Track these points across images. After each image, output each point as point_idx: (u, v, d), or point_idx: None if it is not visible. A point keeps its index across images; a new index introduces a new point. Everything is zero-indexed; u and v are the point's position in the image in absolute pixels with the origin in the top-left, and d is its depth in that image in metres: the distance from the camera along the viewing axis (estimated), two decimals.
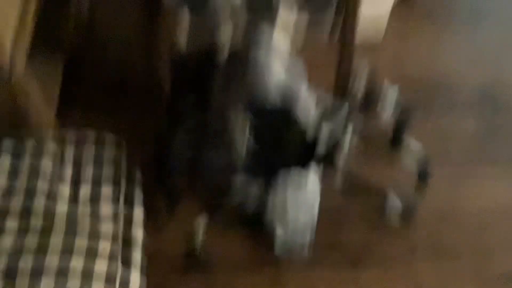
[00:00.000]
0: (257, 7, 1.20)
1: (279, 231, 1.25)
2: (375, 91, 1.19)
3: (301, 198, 1.28)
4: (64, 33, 1.50)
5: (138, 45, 1.46)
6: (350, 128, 1.13)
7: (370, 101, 1.19)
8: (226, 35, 1.46)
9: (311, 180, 1.35)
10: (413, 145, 1.13)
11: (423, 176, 1.21)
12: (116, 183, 1.13)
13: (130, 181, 1.15)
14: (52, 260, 0.98)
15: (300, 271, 1.24)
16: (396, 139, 1.26)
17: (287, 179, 1.24)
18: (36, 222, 1.03)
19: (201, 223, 0.97)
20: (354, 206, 1.34)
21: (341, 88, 1.36)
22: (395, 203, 1.11)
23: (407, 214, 1.10)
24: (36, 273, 0.96)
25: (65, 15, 1.55)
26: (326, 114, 1.14)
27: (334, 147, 1.12)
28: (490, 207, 1.36)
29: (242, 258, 1.26)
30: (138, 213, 1.13)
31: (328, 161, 1.14)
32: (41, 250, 0.99)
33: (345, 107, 1.14)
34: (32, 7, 1.18)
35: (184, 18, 1.23)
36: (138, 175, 1.18)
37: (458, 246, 1.29)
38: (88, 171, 1.13)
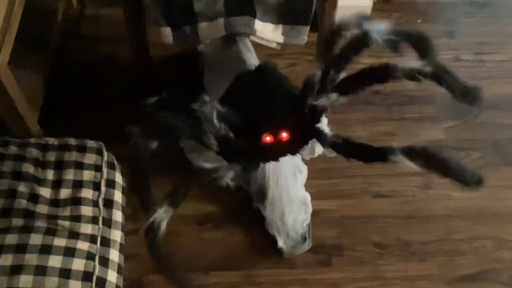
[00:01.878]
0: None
1: (280, 243, 1.29)
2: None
3: (296, 195, 1.32)
4: (49, 35, 1.52)
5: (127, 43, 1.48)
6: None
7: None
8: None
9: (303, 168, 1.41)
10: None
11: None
12: (96, 187, 1.18)
13: (110, 185, 1.20)
14: (31, 259, 1.02)
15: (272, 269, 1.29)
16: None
17: (282, 173, 1.28)
18: (17, 222, 1.07)
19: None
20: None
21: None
22: None
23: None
24: (15, 271, 1.00)
25: (51, 13, 1.57)
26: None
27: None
28: (458, 210, 1.40)
29: (219, 257, 1.30)
30: (117, 216, 1.17)
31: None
32: (21, 248, 1.03)
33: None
34: (19, 10, 1.20)
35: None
36: (118, 179, 1.22)
37: (425, 248, 1.33)
38: (69, 175, 1.17)
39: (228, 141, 1.02)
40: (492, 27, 1.85)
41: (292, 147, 1.08)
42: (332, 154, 1.19)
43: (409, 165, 0.90)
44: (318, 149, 1.40)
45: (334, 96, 0.99)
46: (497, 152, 1.52)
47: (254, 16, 1.23)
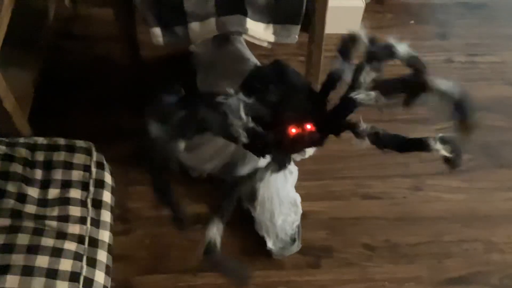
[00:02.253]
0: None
1: (269, 244, 1.29)
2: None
3: (286, 196, 1.32)
4: (41, 34, 1.51)
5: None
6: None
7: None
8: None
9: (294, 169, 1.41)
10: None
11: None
12: (85, 187, 1.17)
13: (99, 185, 1.20)
14: (18, 259, 1.02)
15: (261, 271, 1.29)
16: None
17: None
18: (4, 221, 1.06)
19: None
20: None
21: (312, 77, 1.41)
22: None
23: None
24: (1, 271, 0.99)
25: (43, 12, 1.56)
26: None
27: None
28: (448, 212, 1.40)
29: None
30: (106, 216, 1.17)
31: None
32: (8, 248, 1.03)
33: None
34: (9, 9, 1.19)
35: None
36: (107, 179, 1.22)
37: (414, 250, 1.33)
38: (57, 175, 1.17)
39: (256, 134, 1.00)
40: (485, 28, 1.86)
41: (318, 138, 1.08)
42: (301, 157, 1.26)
43: (443, 153, 0.95)
44: (309, 150, 1.40)
45: (373, 94, 1.00)
46: (487, 154, 1.52)
47: (246, 15, 1.23)
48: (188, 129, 0.94)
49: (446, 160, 0.96)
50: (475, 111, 0.99)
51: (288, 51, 1.68)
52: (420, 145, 0.97)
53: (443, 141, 0.95)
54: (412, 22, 1.87)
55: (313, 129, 1.05)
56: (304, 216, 1.35)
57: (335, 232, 1.35)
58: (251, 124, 0.99)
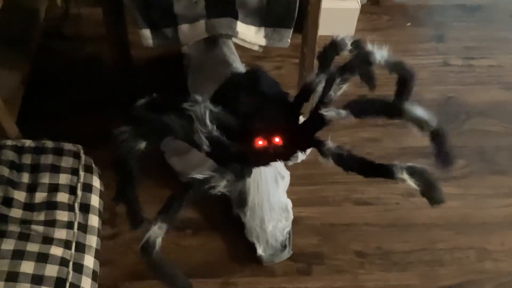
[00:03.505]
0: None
1: (259, 250, 1.27)
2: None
3: (277, 201, 1.30)
4: (30, 34, 1.49)
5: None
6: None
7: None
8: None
9: (285, 174, 1.39)
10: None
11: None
12: (72, 191, 1.16)
13: (87, 189, 1.18)
14: (2, 264, 1.00)
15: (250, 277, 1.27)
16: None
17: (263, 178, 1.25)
18: None
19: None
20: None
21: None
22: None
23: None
24: None
25: (34, 11, 1.54)
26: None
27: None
28: (441, 219, 1.38)
29: (197, 264, 1.28)
30: (94, 220, 1.15)
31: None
32: None
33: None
34: None
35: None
36: (96, 183, 1.21)
37: (407, 257, 1.32)
38: (45, 179, 1.15)
39: (220, 143, 0.99)
40: (482, 31, 1.84)
41: (285, 153, 1.06)
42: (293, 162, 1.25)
43: (410, 184, 0.89)
44: (301, 155, 1.38)
45: (344, 113, 0.96)
46: (482, 160, 1.51)
47: (236, 18, 1.21)
48: (150, 132, 0.93)
49: (422, 193, 0.91)
50: (451, 145, 0.94)
51: (282, 53, 1.67)
52: (386, 172, 0.91)
53: (411, 171, 0.89)
54: (409, 24, 1.85)
55: (281, 143, 1.03)
56: (295, 222, 1.33)
57: (326, 239, 1.33)
58: (216, 133, 0.97)
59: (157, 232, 0.90)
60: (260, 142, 1.02)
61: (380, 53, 1.02)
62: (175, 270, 0.95)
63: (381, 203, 1.40)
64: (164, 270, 0.93)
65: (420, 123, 0.92)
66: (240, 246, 1.30)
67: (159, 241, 0.90)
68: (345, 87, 1.01)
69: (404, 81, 1.07)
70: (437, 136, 0.93)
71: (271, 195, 1.28)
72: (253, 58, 1.59)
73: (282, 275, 1.27)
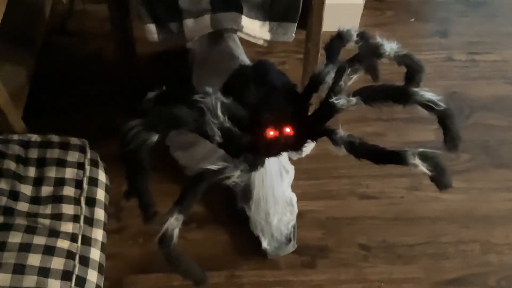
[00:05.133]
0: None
1: (264, 243, 1.27)
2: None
3: (281, 195, 1.31)
4: (36, 30, 1.50)
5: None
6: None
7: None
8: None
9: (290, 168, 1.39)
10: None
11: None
12: (78, 185, 1.17)
13: (92, 183, 1.19)
14: (9, 257, 1.01)
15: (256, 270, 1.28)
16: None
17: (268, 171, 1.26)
18: None
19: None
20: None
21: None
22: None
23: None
24: None
25: (39, 7, 1.55)
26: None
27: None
28: (445, 213, 1.39)
29: (202, 257, 1.27)
30: (100, 214, 1.16)
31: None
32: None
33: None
34: (3, 4, 1.17)
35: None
36: (102, 177, 1.21)
37: (411, 251, 1.32)
38: (51, 173, 1.16)
39: (231, 134, 0.99)
40: (486, 26, 1.84)
41: (296, 142, 1.06)
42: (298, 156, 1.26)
43: (422, 169, 0.90)
44: (306, 149, 1.39)
45: (354, 100, 0.98)
46: (486, 154, 1.51)
47: (241, 12, 1.21)
48: (161, 123, 0.93)
49: (431, 178, 0.92)
50: (459, 125, 0.97)
51: (287, 48, 1.67)
52: (397, 158, 0.92)
53: (423, 157, 0.90)
54: (413, 19, 1.85)
55: (291, 133, 1.03)
56: (300, 215, 1.33)
57: (331, 232, 1.34)
58: (227, 124, 0.98)
59: (174, 224, 0.91)
60: (271, 133, 1.03)
61: (389, 45, 1.03)
62: (191, 262, 0.96)
63: (385, 196, 1.41)
64: (181, 261, 0.94)
65: (429, 105, 0.93)
66: (245, 240, 1.30)
67: (176, 232, 0.91)
68: (355, 77, 1.01)
69: (413, 73, 1.08)
70: (445, 117, 0.95)
71: (276, 188, 1.29)
72: (257, 54, 1.59)
73: (287, 268, 1.28)
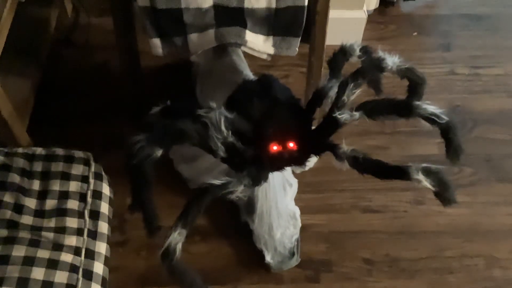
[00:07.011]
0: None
1: (267, 257, 1.27)
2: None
3: (285, 209, 1.31)
4: (41, 43, 1.51)
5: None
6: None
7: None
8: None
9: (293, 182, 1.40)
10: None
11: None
12: (82, 198, 1.17)
13: (96, 196, 1.19)
14: (13, 270, 1.01)
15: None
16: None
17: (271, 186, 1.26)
18: (0, 232, 1.05)
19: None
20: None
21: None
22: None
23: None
24: None
25: (44, 20, 1.56)
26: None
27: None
28: (449, 227, 1.39)
29: (205, 270, 1.27)
30: (103, 227, 1.16)
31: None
32: (3, 259, 1.02)
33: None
34: (9, 17, 1.18)
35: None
36: (106, 190, 1.21)
37: (415, 265, 1.32)
38: (55, 186, 1.16)
39: (235, 149, 1.00)
40: (488, 40, 1.85)
41: (299, 157, 1.07)
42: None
43: (426, 184, 0.90)
44: (309, 163, 1.39)
45: (357, 115, 0.99)
46: (490, 168, 1.51)
47: (245, 27, 1.22)
48: (165, 138, 0.94)
49: (435, 194, 0.92)
50: (461, 138, 0.97)
51: (290, 62, 1.68)
52: (401, 173, 0.93)
53: (427, 172, 0.90)
54: (415, 33, 1.86)
55: (295, 148, 1.04)
56: (303, 229, 1.33)
57: (334, 246, 1.34)
58: (231, 139, 0.99)
59: (177, 238, 0.91)
60: (274, 147, 1.03)
61: (391, 59, 1.04)
62: (194, 275, 0.96)
63: (389, 210, 1.41)
64: (184, 275, 0.94)
65: (432, 118, 0.94)
66: (248, 253, 1.30)
67: (179, 246, 0.91)
68: (358, 91, 1.02)
69: (415, 87, 1.09)
70: (448, 130, 0.95)
71: (279, 202, 1.29)
72: (260, 67, 1.60)
73: (290, 283, 1.28)
